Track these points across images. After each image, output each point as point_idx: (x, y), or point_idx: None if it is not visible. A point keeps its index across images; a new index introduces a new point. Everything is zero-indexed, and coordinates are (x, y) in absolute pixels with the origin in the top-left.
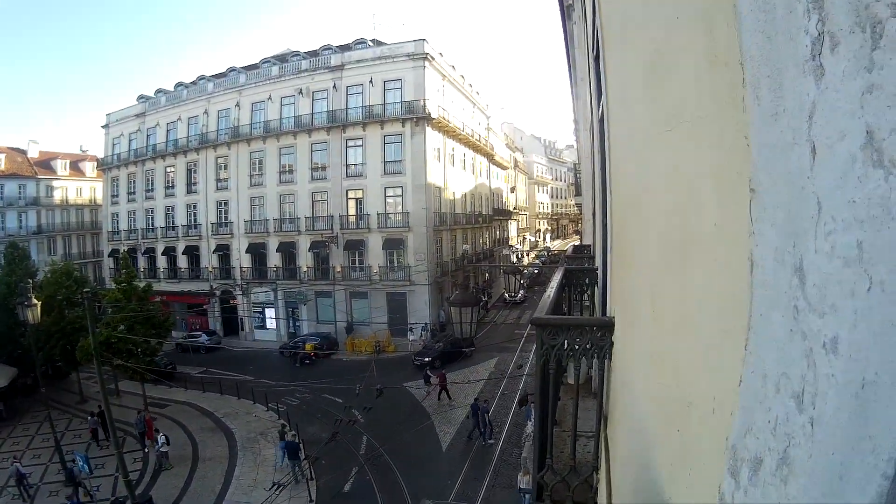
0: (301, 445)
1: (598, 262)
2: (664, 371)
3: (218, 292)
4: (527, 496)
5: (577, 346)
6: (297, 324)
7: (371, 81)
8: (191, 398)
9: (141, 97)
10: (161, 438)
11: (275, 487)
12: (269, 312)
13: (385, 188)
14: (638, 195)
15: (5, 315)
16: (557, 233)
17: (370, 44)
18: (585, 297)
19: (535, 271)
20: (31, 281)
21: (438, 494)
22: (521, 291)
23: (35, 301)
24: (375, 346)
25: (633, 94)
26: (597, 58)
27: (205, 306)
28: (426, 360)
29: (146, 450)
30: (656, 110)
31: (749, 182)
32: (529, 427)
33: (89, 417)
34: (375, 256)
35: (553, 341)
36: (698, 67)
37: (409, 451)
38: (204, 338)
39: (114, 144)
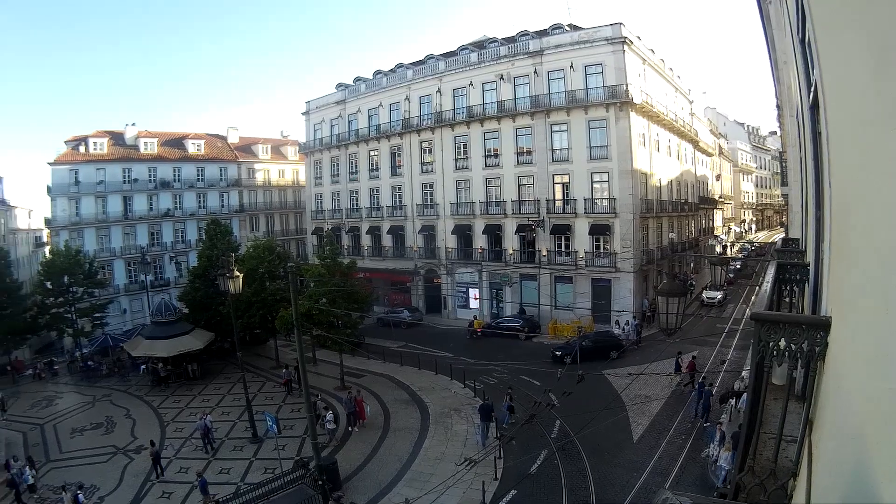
0: (495, 415)
1: (810, 257)
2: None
3: (422, 271)
4: (719, 483)
5: (793, 346)
6: (501, 305)
7: (572, 66)
8: (388, 370)
9: (339, 85)
10: (329, 416)
11: (466, 463)
12: (473, 292)
13: (591, 173)
14: (864, 188)
15: (205, 285)
16: (762, 224)
17: (567, 28)
18: (793, 292)
19: (738, 265)
20: (233, 255)
21: (623, 485)
22: (721, 292)
23: (237, 273)
24: (578, 332)
25: (858, 80)
26: (802, 40)
27: (408, 284)
28: (558, 353)
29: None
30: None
31: None
32: (710, 449)
33: (283, 370)
34: (581, 242)
35: (770, 338)
36: None
37: (600, 440)
38: (406, 314)
39: (314, 130)
